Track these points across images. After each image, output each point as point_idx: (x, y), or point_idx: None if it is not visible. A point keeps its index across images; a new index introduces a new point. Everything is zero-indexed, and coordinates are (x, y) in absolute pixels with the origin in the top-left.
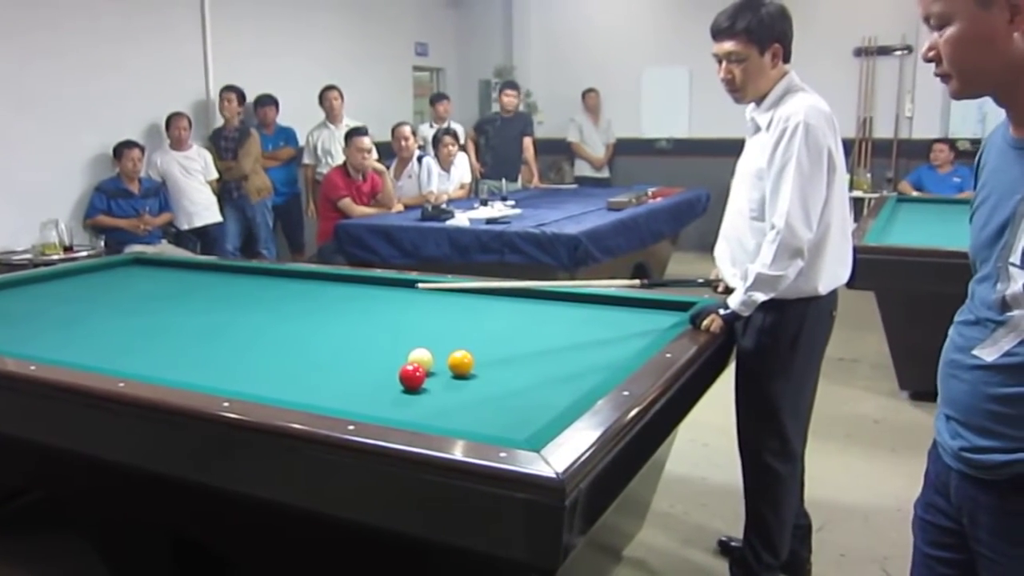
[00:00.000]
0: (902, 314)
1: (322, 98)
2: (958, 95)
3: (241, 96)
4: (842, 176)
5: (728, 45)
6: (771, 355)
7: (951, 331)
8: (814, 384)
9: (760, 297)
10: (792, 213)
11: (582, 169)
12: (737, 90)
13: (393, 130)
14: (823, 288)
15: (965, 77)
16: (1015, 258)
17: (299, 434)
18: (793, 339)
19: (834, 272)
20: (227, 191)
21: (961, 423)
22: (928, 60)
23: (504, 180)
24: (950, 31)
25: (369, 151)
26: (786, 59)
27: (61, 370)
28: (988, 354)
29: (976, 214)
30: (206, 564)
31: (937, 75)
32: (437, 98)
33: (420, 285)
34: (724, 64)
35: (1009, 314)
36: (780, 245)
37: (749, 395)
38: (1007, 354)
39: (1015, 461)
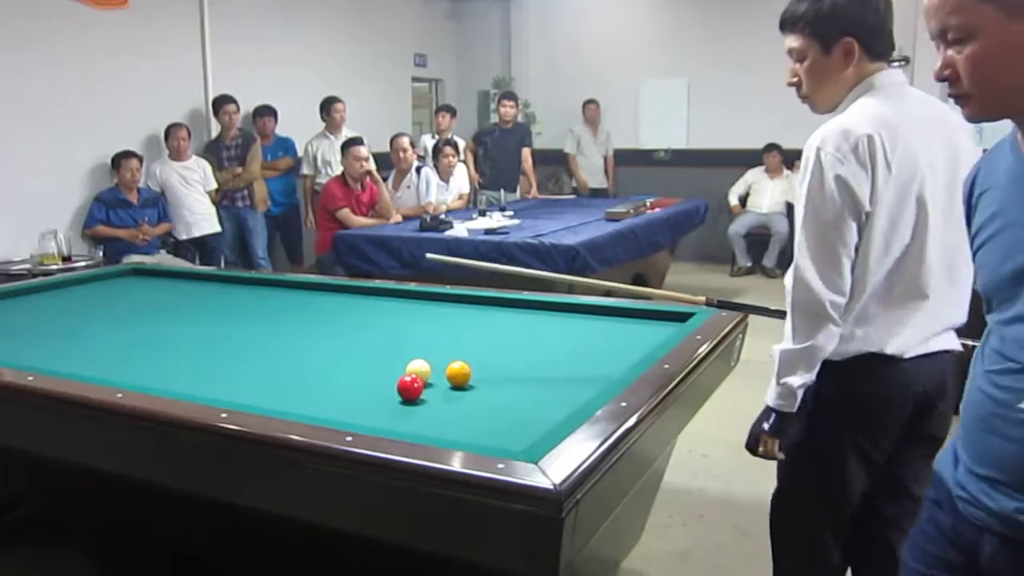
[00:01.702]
0: None
1: (328, 109)
2: (977, 117)
3: (237, 104)
4: (908, 216)
5: (789, 40)
6: (809, 423)
7: (979, 382)
8: (851, 483)
9: (796, 380)
10: (803, 266)
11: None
12: (806, 96)
13: (391, 141)
14: (842, 354)
15: (990, 97)
16: None
17: (297, 445)
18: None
19: (883, 337)
20: (230, 199)
21: (1010, 484)
22: (943, 79)
23: (503, 191)
24: (973, 47)
25: (366, 159)
26: (877, 55)
27: (59, 381)
28: None
29: (988, 247)
30: None
31: (953, 95)
32: (441, 109)
33: (428, 256)
34: (791, 64)
35: None
36: (795, 309)
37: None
38: None
39: None
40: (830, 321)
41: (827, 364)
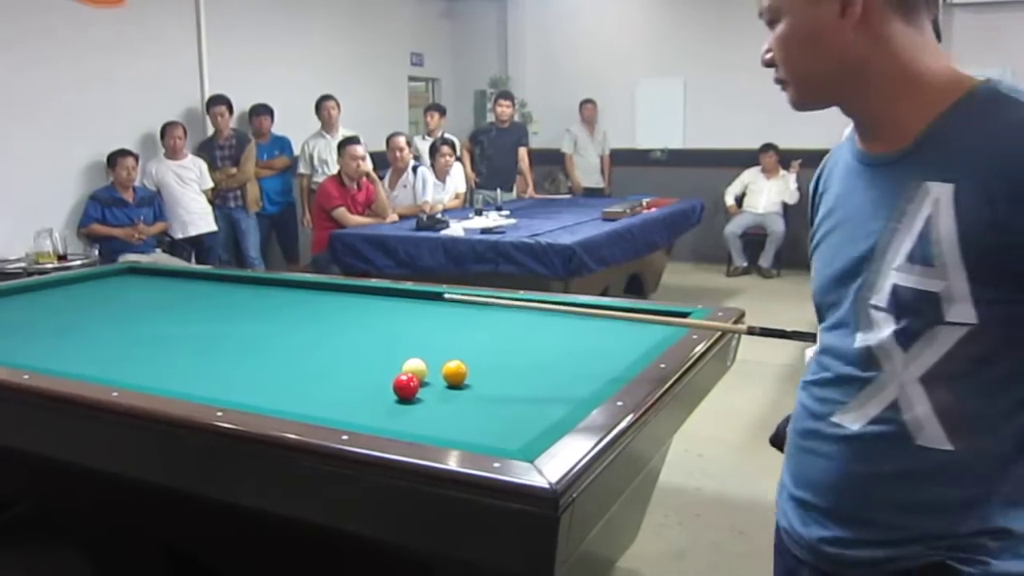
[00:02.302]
0: None
1: (319, 107)
2: (797, 104)
3: (230, 106)
4: None
5: None
6: None
7: (799, 395)
8: None
9: None
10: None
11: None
12: None
13: (388, 140)
14: None
15: (800, 82)
16: (879, 299)
17: (293, 444)
18: None
19: None
20: (222, 199)
21: (820, 509)
22: (767, 64)
23: (499, 190)
24: (780, 28)
25: (363, 158)
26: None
27: (54, 379)
28: (852, 420)
29: (820, 248)
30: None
31: (777, 81)
32: (430, 108)
33: (447, 295)
34: None
35: (875, 371)
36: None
37: None
38: (875, 421)
39: (890, 558)
40: None
41: None
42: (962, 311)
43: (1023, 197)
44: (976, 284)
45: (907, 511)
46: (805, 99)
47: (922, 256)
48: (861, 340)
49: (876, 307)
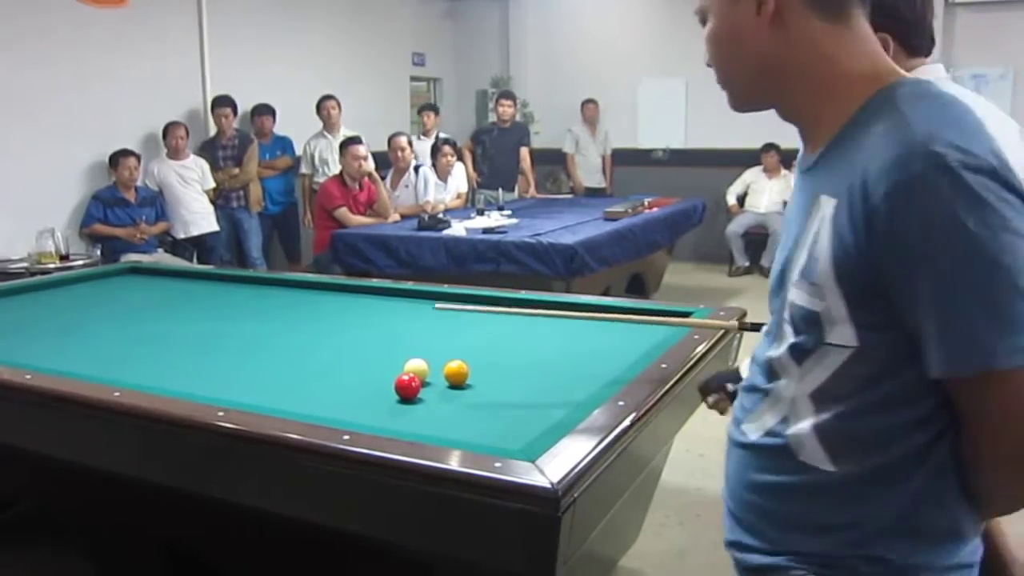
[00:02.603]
0: None
1: (320, 107)
2: (734, 105)
3: (234, 108)
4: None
5: None
6: None
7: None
8: None
9: None
10: None
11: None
12: None
13: (389, 140)
14: None
15: (729, 83)
16: (786, 313)
17: (295, 444)
18: None
19: None
20: (224, 199)
21: (730, 512)
22: (709, 65)
23: (501, 190)
24: (706, 28)
25: (365, 158)
26: (915, 50)
27: (56, 379)
28: (752, 430)
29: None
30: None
31: (717, 82)
32: (424, 109)
33: (437, 305)
34: None
35: (772, 383)
36: None
37: None
38: (768, 433)
39: (771, 567)
40: None
41: None
42: (842, 333)
43: (874, 220)
44: (852, 307)
45: (788, 526)
46: (738, 99)
47: (808, 274)
48: (770, 351)
49: (785, 320)
